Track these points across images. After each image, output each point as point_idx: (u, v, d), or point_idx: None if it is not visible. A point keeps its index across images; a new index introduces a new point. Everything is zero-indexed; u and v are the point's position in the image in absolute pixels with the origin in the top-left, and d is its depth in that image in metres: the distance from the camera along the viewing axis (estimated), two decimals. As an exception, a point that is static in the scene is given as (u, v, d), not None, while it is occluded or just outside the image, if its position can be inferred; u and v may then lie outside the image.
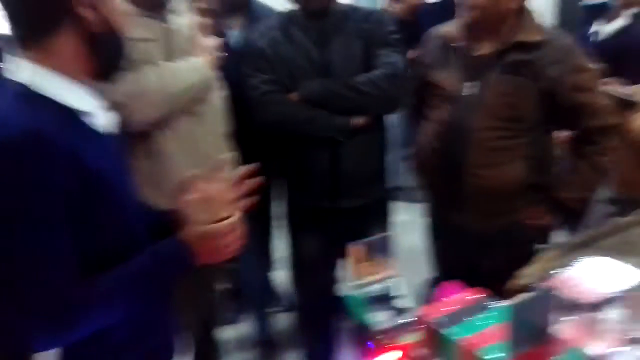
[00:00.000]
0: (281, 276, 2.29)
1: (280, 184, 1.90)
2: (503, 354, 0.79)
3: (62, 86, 0.87)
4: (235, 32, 1.95)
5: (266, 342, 2.24)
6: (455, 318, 0.90)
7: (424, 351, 0.93)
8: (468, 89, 1.53)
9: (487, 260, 1.57)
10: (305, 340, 1.97)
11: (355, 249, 1.11)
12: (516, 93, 1.48)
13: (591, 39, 2.43)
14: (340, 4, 1.69)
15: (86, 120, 0.91)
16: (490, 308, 0.93)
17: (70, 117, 0.88)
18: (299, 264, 1.87)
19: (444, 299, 1.00)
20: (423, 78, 1.68)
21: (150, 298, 0.96)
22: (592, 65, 1.54)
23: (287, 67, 1.61)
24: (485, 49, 1.52)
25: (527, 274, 1.37)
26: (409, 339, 0.97)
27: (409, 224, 3.25)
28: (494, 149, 1.51)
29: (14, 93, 0.85)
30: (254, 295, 2.26)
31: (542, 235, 1.62)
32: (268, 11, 1.94)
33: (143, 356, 0.98)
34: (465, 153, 1.52)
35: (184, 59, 1.44)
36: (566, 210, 1.56)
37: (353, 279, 1.13)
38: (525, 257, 1.32)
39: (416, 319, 0.97)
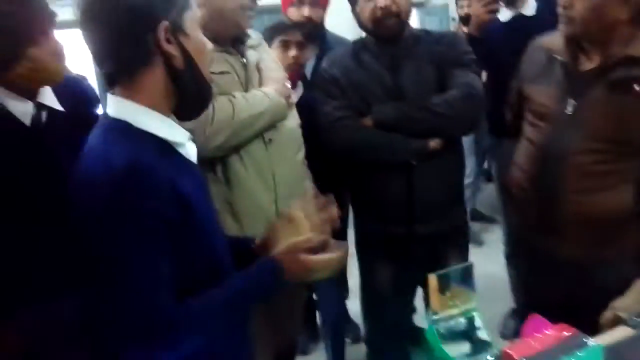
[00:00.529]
0: (356, 306, 2.25)
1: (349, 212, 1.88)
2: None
3: (154, 119, 0.91)
4: (309, 62, 1.99)
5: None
6: (546, 357, 0.83)
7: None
8: (569, 106, 1.39)
9: (581, 291, 1.44)
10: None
11: (434, 279, 1.07)
12: (623, 113, 1.33)
13: None
14: (413, 29, 1.67)
15: (179, 151, 0.95)
16: (585, 347, 0.85)
17: (165, 148, 0.91)
18: (372, 293, 1.82)
19: (532, 335, 0.93)
20: (520, 91, 1.57)
21: (246, 317, 0.98)
22: None
23: (360, 92, 1.61)
24: (590, 63, 1.38)
25: (622, 306, 1.25)
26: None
27: (487, 250, 3.13)
28: (595, 173, 1.36)
29: (110, 128, 0.90)
30: (329, 324, 2.23)
31: None
32: (341, 42, 1.96)
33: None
34: (563, 177, 1.39)
35: (258, 89, 1.47)
36: None
37: (431, 310, 1.09)
38: (624, 289, 1.20)
39: (501, 356, 0.91)
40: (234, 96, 1.42)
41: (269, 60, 1.57)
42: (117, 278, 0.83)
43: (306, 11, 2.01)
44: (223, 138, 1.37)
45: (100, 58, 0.90)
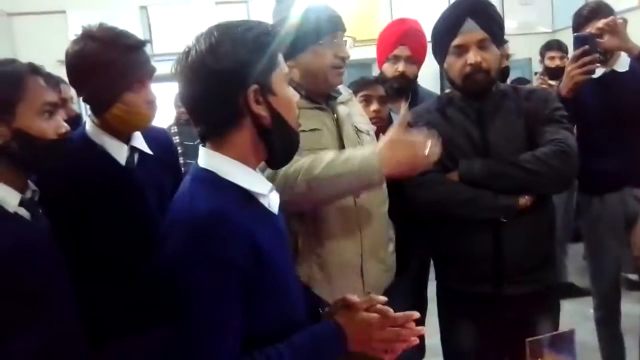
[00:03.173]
0: None
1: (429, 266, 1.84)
2: None
3: (239, 171, 0.94)
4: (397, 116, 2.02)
5: None
6: None
7: None
8: None
9: None
10: None
11: (533, 345, 1.02)
12: None
13: None
14: (500, 85, 1.66)
15: (262, 202, 0.97)
16: None
17: (248, 198, 0.94)
18: (453, 353, 1.74)
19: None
20: None
21: None
22: None
23: (446, 147, 1.58)
24: None
25: None
26: None
27: (576, 317, 2.93)
28: None
29: (199, 178, 0.94)
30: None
31: None
32: (431, 95, 1.99)
33: None
34: None
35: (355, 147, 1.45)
36: None
37: None
38: None
39: None
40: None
41: (357, 114, 1.60)
42: (187, 322, 0.85)
43: (401, 67, 2.07)
44: (294, 195, 1.27)
45: (193, 116, 0.96)
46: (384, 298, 1.07)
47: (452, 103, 1.65)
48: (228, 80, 0.89)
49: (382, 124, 1.93)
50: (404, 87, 2.07)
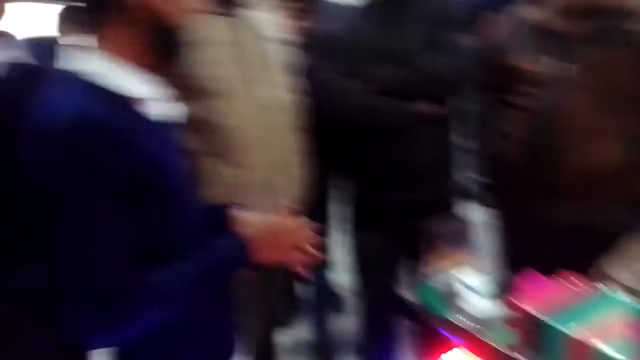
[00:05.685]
0: (338, 278, 2.23)
1: (337, 181, 1.84)
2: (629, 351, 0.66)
3: (118, 73, 0.83)
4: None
5: (323, 346, 2.16)
6: (564, 310, 0.77)
7: (521, 347, 0.80)
8: (563, 69, 1.42)
9: (581, 253, 1.45)
10: (366, 343, 1.87)
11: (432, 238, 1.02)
12: (615, 65, 1.36)
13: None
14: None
15: (144, 107, 0.86)
16: (608, 300, 0.79)
17: (125, 104, 0.84)
18: (363, 262, 1.78)
19: (537, 290, 0.88)
20: (501, 63, 1.57)
21: (208, 293, 0.92)
22: None
23: (356, 55, 1.56)
24: (576, 26, 1.41)
25: (613, 264, 1.26)
26: (497, 334, 0.85)
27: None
28: (594, 129, 1.39)
29: (62, 82, 0.83)
30: (311, 297, 2.19)
31: None
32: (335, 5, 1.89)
33: (202, 357, 0.95)
34: (564, 137, 1.42)
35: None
36: None
37: (430, 270, 1.05)
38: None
39: (508, 311, 0.85)
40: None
41: (268, 20, 1.48)
42: (70, 242, 0.77)
43: None
44: None
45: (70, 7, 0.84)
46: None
47: (363, 10, 1.61)
48: None
49: None
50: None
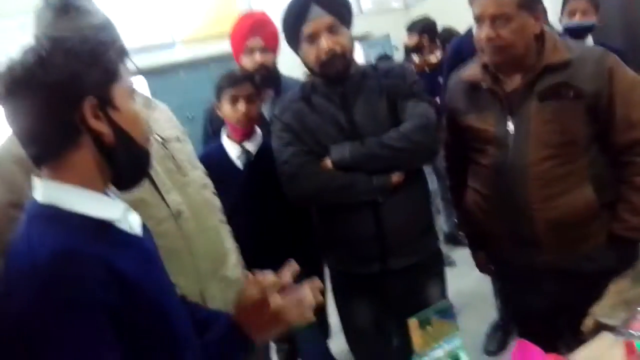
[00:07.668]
0: (339, 344, 2.18)
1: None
2: None
3: (85, 198, 0.86)
4: (266, 105, 2.02)
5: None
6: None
7: None
8: (509, 125, 1.48)
9: (563, 298, 1.48)
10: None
11: (414, 322, 1.05)
12: (561, 117, 1.42)
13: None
14: (359, 65, 1.67)
15: (119, 227, 0.90)
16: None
17: (101, 227, 0.87)
18: (353, 334, 1.78)
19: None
20: (455, 125, 1.63)
21: None
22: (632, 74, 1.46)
23: (315, 136, 1.59)
24: (516, 82, 1.48)
25: (602, 312, 1.27)
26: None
27: (460, 268, 3.13)
28: (553, 179, 1.44)
29: (37, 216, 0.84)
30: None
31: (629, 257, 1.49)
32: (296, 84, 1.95)
33: None
34: (525, 190, 1.46)
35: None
36: (626, 241, 1.47)
37: (416, 351, 1.07)
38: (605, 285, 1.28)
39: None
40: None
41: (161, 119, 1.47)
42: None
43: (258, 57, 2.02)
44: None
45: (23, 138, 0.86)
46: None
47: (315, 90, 1.64)
48: (60, 93, 0.82)
49: (250, 125, 1.88)
50: (267, 77, 2.04)
